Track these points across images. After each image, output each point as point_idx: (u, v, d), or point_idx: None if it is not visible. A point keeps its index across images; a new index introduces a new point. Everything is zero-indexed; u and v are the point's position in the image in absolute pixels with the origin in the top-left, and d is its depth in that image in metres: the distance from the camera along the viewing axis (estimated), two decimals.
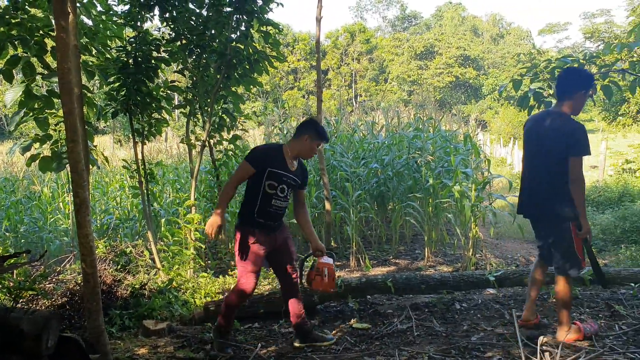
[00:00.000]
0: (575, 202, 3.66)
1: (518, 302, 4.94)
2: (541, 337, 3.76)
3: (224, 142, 6.68)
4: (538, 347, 3.63)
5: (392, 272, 6.68)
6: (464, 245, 6.84)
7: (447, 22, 65.35)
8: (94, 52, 5.16)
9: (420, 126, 8.43)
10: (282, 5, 5.86)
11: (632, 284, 4.90)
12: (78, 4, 4.74)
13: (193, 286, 5.58)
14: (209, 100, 6.03)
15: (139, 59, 5.63)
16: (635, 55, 7.36)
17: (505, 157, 25.95)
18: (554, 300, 4.04)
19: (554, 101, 6.37)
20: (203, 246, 6.08)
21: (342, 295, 4.88)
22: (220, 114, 6.52)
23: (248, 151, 4.02)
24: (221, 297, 5.46)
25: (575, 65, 6.25)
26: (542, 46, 62.36)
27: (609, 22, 31.16)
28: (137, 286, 4.96)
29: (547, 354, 3.53)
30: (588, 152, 3.66)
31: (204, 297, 5.33)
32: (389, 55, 56.60)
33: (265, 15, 5.80)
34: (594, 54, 6.19)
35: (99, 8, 5.10)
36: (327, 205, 5.26)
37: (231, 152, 6.67)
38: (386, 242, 8.26)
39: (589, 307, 4.70)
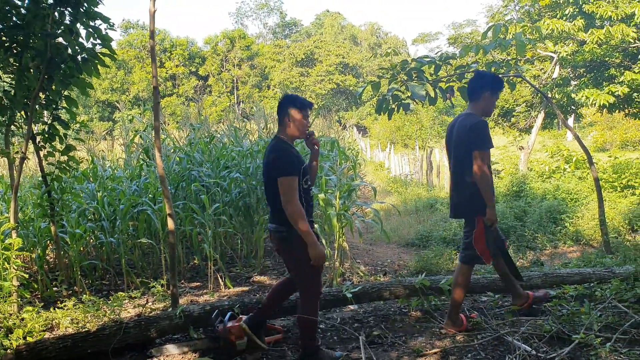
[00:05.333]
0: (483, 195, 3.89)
1: (377, 319, 4.62)
2: None
3: (56, 153, 5.82)
4: None
5: (251, 292, 6.19)
6: (330, 256, 6.48)
7: (327, 30, 66.41)
8: None
9: None
10: None
11: (491, 293, 4.75)
12: None
13: (14, 324, 4.71)
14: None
15: None
16: (491, 56, 7.46)
17: (383, 161, 26.49)
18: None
19: (412, 104, 6.21)
20: (26, 275, 5.19)
21: (183, 327, 4.28)
22: (50, 121, 5.66)
23: (279, 167, 3.61)
24: (45, 334, 4.66)
25: (432, 65, 6.13)
26: (416, 54, 65.19)
27: (475, 32, 32.99)
28: None
29: None
30: (490, 146, 3.91)
31: (24, 337, 4.48)
32: (271, 62, 56.45)
33: (94, 8, 5.06)
34: (450, 55, 6.09)
35: None
36: (170, 224, 4.61)
37: (64, 165, 5.81)
38: (254, 257, 7.73)
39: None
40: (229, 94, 56.77)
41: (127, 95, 54.22)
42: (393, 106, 6.08)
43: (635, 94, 11.88)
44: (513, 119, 15.06)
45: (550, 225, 8.57)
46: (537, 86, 8.71)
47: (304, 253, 3.55)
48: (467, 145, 3.93)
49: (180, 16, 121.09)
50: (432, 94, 5.89)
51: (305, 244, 3.52)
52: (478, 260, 4.10)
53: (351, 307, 4.95)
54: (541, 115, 13.25)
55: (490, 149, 3.97)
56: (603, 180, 9.88)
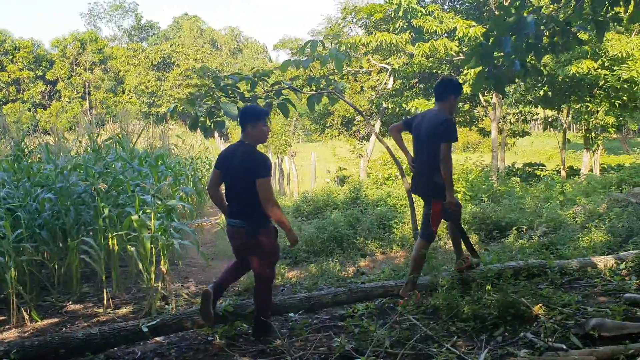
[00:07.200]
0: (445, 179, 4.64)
1: (180, 350, 4.40)
2: None
3: None
4: None
5: (60, 324, 5.72)
6: (147, 280, 6.15)
7: (186, 33, 64.83)
8: None
9: (103, 145, 7.48)
10: None
11: (292, 314, 4.74)
12: None
13: None
14: None
15: None
16: (310, 72, 7.56)
17: None
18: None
19: (227, 121, 6.09)
20: None
21: None
22: None
23: (259, 167, 4.18)
24: None
25: (249, 82, 6.05)
26: (277, 59, 65.73)
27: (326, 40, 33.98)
28: None
29: None
30: (455, 139, 4.71)
31: None
32: (125, 66, 53.94)
33: None
34: (264, 72, 6.04)
35: None
36: None
37: None
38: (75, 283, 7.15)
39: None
40: (80, 99, 53.43)
41: None
42: (209, 123, 5.92)
43: (460, 104, 12.78)
44: (354, 128, 15.59)
45: (380, 232, 8.88)
46: (360, 99, 9.02)
47: (266, 245, 4.24)
48: (437, 136, 4.62)
49: (25, 15, 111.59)
50: None
51: (267, 237, 4.23)
52: (433, 238, 5.03)
53: (158, 338, 4.69)
54: (378, 124, 13.86)
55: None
56: None
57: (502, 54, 3.78)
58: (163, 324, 4.38)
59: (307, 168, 17.99)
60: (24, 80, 52.59)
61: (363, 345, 3.94)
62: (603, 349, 3.41)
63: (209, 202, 17.15)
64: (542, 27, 4.09)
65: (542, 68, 12.03)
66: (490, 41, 3.39)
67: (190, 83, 50.06)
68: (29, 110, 51.47)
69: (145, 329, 4.25)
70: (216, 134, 44.08)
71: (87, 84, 53.98)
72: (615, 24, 4.74)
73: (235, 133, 39.10)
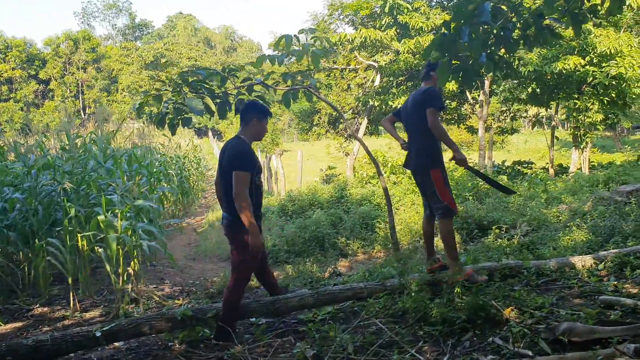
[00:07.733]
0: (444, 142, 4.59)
1: (138, 356, 4.23)
2: None
3: None
4: None
5: (24, 328, 5.54)
6: (115, 282, 5.97)
7: (180, 32, 64.62)
8: None
9: (80, 143, 7.29)
10: None
11: (253, 319, 4.57)
12: None
13: None
14: None
15: None
16: (285, 67, 7.38)
17: None
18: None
19: (194, 118, 5.91)
20: None
21: None
22: None
23: (236, 159, 4.16)
24: None
25: (218, 77, 5.87)
26: None
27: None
28: None
29: None
30: (440, 105, 4.64)
31: None
32: (118, 65, 53.68)
33: None
34: (235, 68, 5.86)
35: None
36: None
37: None
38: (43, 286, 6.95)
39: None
40: (73, 98, 53.21)
41: None
42: (177, 120, 5.74)
43: (447, 102, 12.62)
44: (340, 126, 15.41)
45: (363, 231, 8.71)
46: (347, 97, 8.85)
47: (241, 240, 4.12)
48: (421, 106, 4.58)
49: (17, 14, 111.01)
50: (214, 108, 5.63)
51: (243, 233, 4.05)
52: (451, 212, 4.65)
53: (116, 344, 4.51)
54: (364, 122, 13.69)
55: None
56: (414, 185, 10.28)
57: (469, 46, 3.60)
58: (119, 329, 4.19)
59: (297, 166, 17.84)
60: (16, 80, 52.39)
61: (324, 351, 3.77)
62: (571, 355, 3.23)
63: (197, 201, 17.03)
64: (513, 19, 3.93)
65: (527, 64, 11.88)
66: (451, 30, 3.21)
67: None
68: (22, 110, 51.31)
69: (98, 334, 4.06)
70: (210, 133, 43.91)
71: (80, 83, 53.75)
72: (592, 16, 4.57)
73: (229, 132, 38.95)
